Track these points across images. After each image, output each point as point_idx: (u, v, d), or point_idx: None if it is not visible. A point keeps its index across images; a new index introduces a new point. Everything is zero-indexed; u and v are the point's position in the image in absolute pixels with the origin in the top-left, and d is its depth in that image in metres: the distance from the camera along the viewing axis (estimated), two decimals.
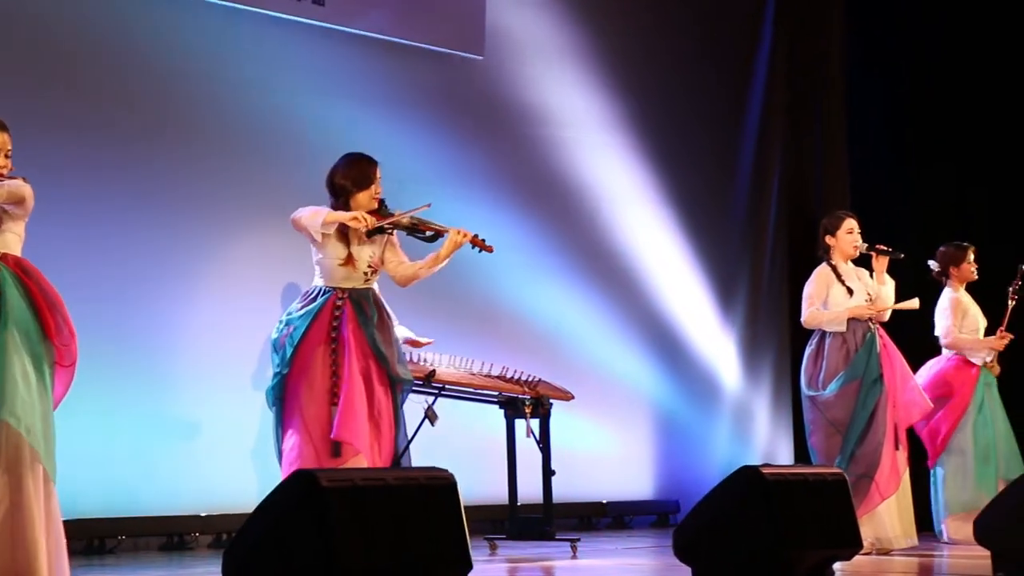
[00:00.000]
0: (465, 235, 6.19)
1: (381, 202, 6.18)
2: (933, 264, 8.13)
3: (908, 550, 7.26)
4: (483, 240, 6.26)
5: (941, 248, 8.24)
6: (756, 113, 10.78)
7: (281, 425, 6.06)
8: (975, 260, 8.20)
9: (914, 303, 7.35)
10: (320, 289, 6.13)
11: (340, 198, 6.15)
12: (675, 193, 10.29)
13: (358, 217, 6.01)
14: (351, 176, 6.14)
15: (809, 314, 7.29)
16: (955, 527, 8.02)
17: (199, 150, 8.09)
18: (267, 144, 8.32)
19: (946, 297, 8.19)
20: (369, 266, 6.13)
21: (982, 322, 8.22)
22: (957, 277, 8.19)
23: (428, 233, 6.22)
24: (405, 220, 6.15)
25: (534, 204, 9.56)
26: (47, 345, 4.90)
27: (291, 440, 5.97)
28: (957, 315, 8.14)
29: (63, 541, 4.93)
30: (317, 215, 6.03)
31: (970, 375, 8.13)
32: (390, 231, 6.17)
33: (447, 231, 6.18)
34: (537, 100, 9.66)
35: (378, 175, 6.17)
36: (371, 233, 6.13)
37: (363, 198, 6.12)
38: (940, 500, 8.10)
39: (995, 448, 8.05)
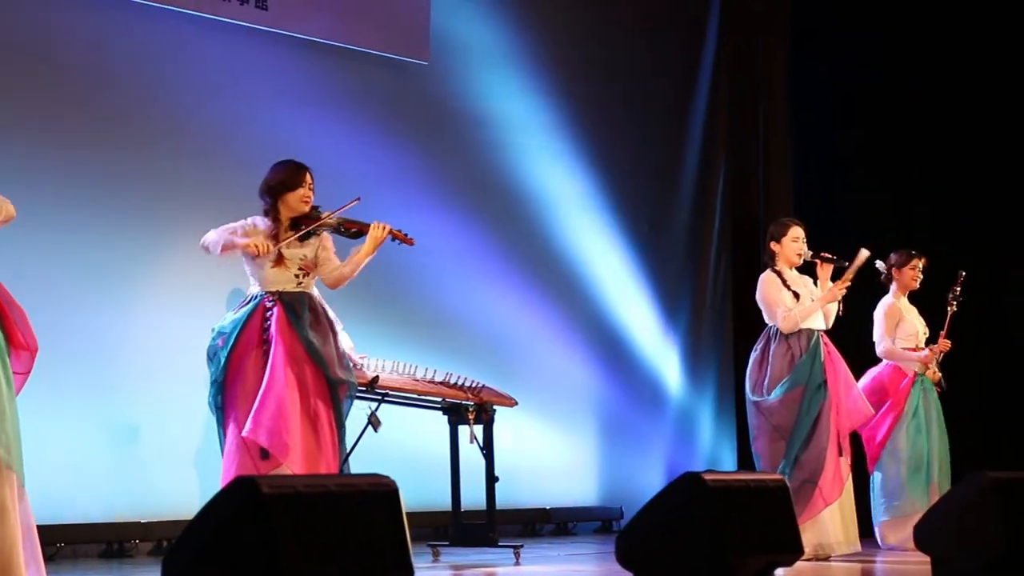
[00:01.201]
0: (385, 229, 6.23)
1: (314, 208, 6.23)
2: (880, 265, 8.17)
3: (849, 556, 7.29)
4: (404, 233, 6.28)
5: (892, 252, 8.29)
6: (700, 120, 10.81)
7: (223, 432, 6.07)
8: (922, 271, 8.24)
9: (864, 253, 7.37)
10: (252, 295, 6.15)
11: (271, 199, 6.21)
12: (619, 198, 10.32)
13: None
14: (280, 178, 6.23)
15: (783, 318, 7.26)
16: (889, 532, 8.08)
17: (142, 153, 8.04)
18: (211, 148, 8.27)
19: (882, 305, 8.25)
20: (300, 268, 6.13)
21: (921, 328, 8.27)
22: (899, 282, 8.25)
23: (353, 230, 6.26)
24: (332, 220, 6.18)
25: (478, 208, 9.56)
26: (8, 351, 4.91)
27: (229, 446, 5.99)
28: (890, 322, 8.19)
29: (38, 546, 4.95)
30: (215, 242, 6.10)
31: (905, 381, 8.18)
32: (317, 233, 6.20)
33: (368, 227, 6.21)
34: (482, 105, 9.66)
35: (309, 180, 6.22)
36: (303, 237, 6.15)
37: (293, 199, 6.18)
38: (876, 505, 8.16)
39: (928, 455, 8.10)
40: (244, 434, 5.87)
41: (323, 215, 6.23)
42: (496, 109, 9.75)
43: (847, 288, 7.31)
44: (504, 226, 9.70)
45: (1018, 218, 10.30)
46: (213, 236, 6.19)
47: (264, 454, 5.91)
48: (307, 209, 6.22)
